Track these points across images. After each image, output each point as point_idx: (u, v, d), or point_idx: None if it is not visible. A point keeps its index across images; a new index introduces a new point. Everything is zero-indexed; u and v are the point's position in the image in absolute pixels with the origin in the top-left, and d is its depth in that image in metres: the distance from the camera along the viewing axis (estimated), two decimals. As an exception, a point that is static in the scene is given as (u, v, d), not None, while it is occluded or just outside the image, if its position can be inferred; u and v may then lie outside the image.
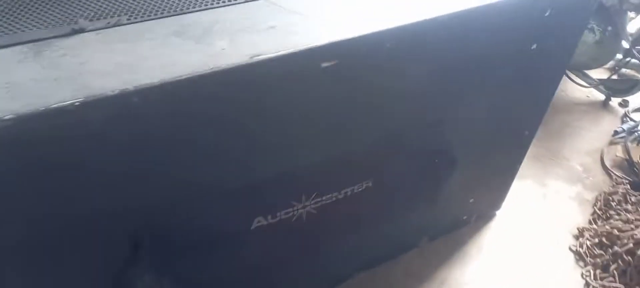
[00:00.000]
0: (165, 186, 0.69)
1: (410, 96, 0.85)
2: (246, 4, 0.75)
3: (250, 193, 0.81)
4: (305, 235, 0.94)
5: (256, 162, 0.77)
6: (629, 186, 1.48)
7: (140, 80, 0.58)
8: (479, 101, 0.98)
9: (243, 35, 0.68)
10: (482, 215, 1.38)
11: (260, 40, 0.67)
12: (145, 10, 0.71)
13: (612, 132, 1.76)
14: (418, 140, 0.96)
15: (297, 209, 0.89)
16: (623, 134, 1.72)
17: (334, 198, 0.93)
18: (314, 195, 0.89)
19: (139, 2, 0.73)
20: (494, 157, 1.17)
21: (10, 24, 0.66)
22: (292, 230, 0.91)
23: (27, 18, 0.68)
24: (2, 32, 0.65)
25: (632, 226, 1.27)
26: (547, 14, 0.89)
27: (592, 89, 1.93)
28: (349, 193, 0.94)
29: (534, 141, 1.68)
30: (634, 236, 1.22)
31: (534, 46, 0.94)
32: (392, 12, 0.75)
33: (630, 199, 1.42)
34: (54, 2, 0.71)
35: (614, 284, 1.18)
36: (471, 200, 1.28)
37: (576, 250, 1.31)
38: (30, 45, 0.62)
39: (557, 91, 1.90)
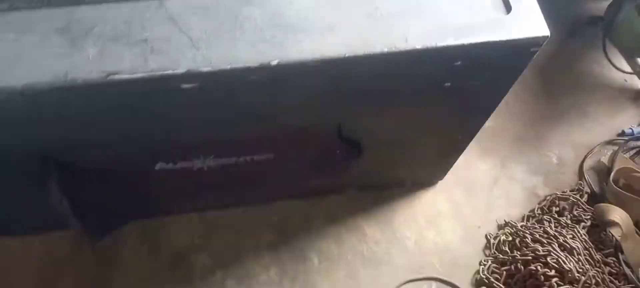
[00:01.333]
0: (56, 137, 0.85)
1: (291, 108, 0.88)
2: (140, 2, 0.78)
3: (150, 147, 0.96)
4: (208, 180, 1.09)
5: (142, 135, 0.89)
6: (586, 197, 1.42)
7: (8, 82, 0.69)
8: (385, 116, 0.97)
9: (114, 45, 0.74)
10: (419, 182, 1.42)
11: (125, 54, 0.73)
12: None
13: (619, 131, 1.59)
14: (317, 135, 1.00)
15: (197, 163, 1.03)
16: (626, 138, 1.55)
17: (233, 161, 1.04)
18: (212, 156, 1.02)
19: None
20: (418, 150, 1.18)
21: None
22: (194, 175, 1.06)
23: None
24: None
25: (546, 239, 1.27)
26: (458, 63, 0.82)
27: (635, 75, 1.68)
28: (249, 159, 1.05)
29: (529, 120, 1.60)
30: (536, 251, 1.24)
31: (448, 84, 0.88)
32: (270, 46, 0.76)
33: (574, 211, 1.37)
34: None
35: (497, 283, 1.26)
36: (400, 172, 1.33)
37: (488, 239, 1.36)
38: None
39: (593, 66, 1.70)
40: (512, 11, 0.81)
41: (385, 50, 0.76)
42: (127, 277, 1.27)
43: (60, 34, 0.74)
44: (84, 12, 0.76)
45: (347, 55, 0.76)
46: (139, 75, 0.72)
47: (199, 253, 1.31)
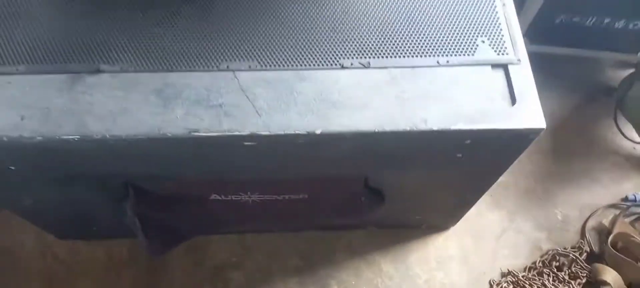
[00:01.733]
0: (140, 170, 1.06)
1: (328, 162, 1.07)
2: (219, 72, 0.98)
3: (209, 183, 1.16)
4: (252, 212, 1.28)
5: (206, 174, 1.09)
6: (585, 255, 1.54)
7: (113, 130, 0.91)
8: (406, 174, 1.15)
9: (196, 108, 0.94)
10: (434, 226, 1.58)
11: (204, 116, 0.93)
12: (144, 63, 0.98)
13: (623, 196, 1.71)
14: (346, 183, 1.18)
15: (244, 198, 1.22)
16: (628, 204, 1.67)
17: (273, 198, 1.23)
18: (256, 193, 1.21)
19: (142, 53, 0.99)
20: (434, 202, 1.34)
21: (57, 54, 0.98)
22: (242, 206, 1.26)
23: (67, 51, 0.99)
24: (52, 60, 0.97)
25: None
26: (468, 141, 0.99)
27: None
28: (287, 198, 1.24)
29: (539, 177, 1.74)
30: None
31: (459, 155, 1.05)
32: (316, 117, 0.95)
33: (572, 267, 1.50)
34: (82, 45, 1.00)
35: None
36: (417, 217, 1.49)
37: (491, 285, 1.50)
38: (68, 76, 0.96)
39: (605, 132, 1.83)
40: (516, 103, 0.97)
41: (408, 128, 0.94)
42: (173, 284, 1.47)
43: (156, 95, 0.95)
44: (174, 78, 0.97)
45: (376, 130, 0.94)
46: (213, 133, 0.92)
47: (235, 270, 1.51)
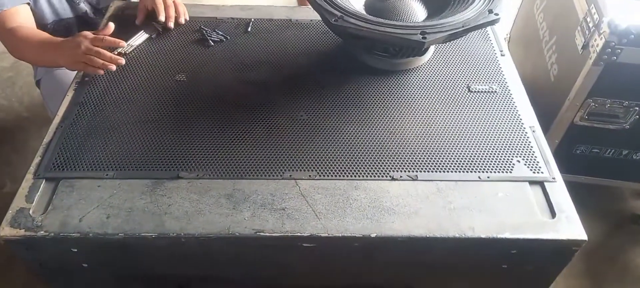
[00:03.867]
0: (197, 272, 1.10)
1: (382, 270, 1.09)
2: (282, 180, 1.08)
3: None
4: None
5: (257, 277, 1.12)
6: None
7: (187, 229, 0.97)
8: (450, 284, 1.16)
9: (262, 211, 1.02)
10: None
11: (268, 218, 1.00)
12: (217, 172, 1.09)
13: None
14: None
15: (291, 305, 1.23)
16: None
17: (320, 307, 1.23)
18: (304, 301, 1.22)
19: (216, 163, 1.10)
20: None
21: (143, 163, 1.10)
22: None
23: (152, 160, 1.11)
24: (138, 168, 1.09)
25: None
26: (513, 251, 1.02)
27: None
28: (333, 307, 1.24)
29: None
30: None
31: (505, 266, 1.07)
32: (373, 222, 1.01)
33: None
34: (165, 156, 1.12)
35: None
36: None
37: None
38: (151, 181, 1.06)
39: (636, 259, 1.81)
40: (556, 217, 1.02)
41: (456, 235, 0.99)
42: None
43: (226, 198, 1.04)
44: (243, 185, 1.07)
45: (426, 235, 0.99)
46: (277, 234, 0.98)
47: None
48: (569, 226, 1.01)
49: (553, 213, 1.03)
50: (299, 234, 0.98)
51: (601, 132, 1.72)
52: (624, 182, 1.92)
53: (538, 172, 1.10)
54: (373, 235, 0.99)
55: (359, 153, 1.13)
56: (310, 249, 1.00)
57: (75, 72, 1.34)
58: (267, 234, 0.98)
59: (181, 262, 1.05)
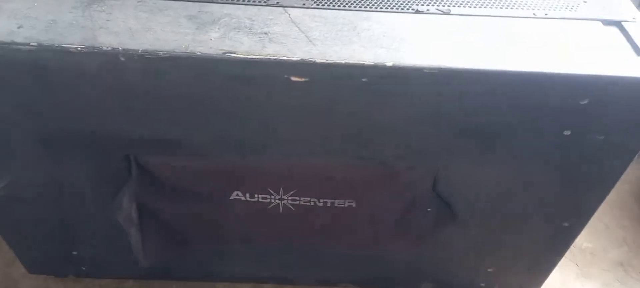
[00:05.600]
0: (148, 130, 0.80)
1: (393, 131, 0.80)
2: (266, 7, 0.79)
3: (229, 166, 0.88)
4: (282, 225, 0.97)
5: (230, 140, 0.83)
6: None
7: (128, 45, 0.69)
8: (489, 169, 0.86)
9: (236, 33, 0.73)
10: (506, 290, 1.20)
11: (244, 40, 0.72)
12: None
13: None
14: (409, 184, 0.89)
15: (274, 199, 0.93)
16: None
17: (312, 203, 0.93)
18: (291, 192, 0.92)
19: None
20: (517, 235, 1.01)
21: None
22: (268, 216, 0.95)
23: None
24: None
25: None
26: (584, 102, 0.73)
27: None
28: (329, 204, 0.93)
29: (632, 247, 1.38)
30: None
31: (568, 133, 0.77)
32: (388, 50, 0.72)
33: None
34: None
35: None
36: (489, 270, 1.13)
37: None
38: (89, -3, 0.78)
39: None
40: (642, 56, 0.73)
41: (507, 68, 0.70)
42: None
43: (188, 19, 0.75)
44: (214, 7, 0.78)
45: (465, 67, 0.70)
46: (254, 57, 0.69)
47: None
48: (663, 65, 0.72)
49: (638, 51, 0.74)
50: (285, 58, 0.69)
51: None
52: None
53: (611, 13, 0.82)
54: (389, 64, 0.70)
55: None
56: (300, 86, 0.71)
57: None
58: (241, 56, 0.69)
59: (122, 104, 0.76)
